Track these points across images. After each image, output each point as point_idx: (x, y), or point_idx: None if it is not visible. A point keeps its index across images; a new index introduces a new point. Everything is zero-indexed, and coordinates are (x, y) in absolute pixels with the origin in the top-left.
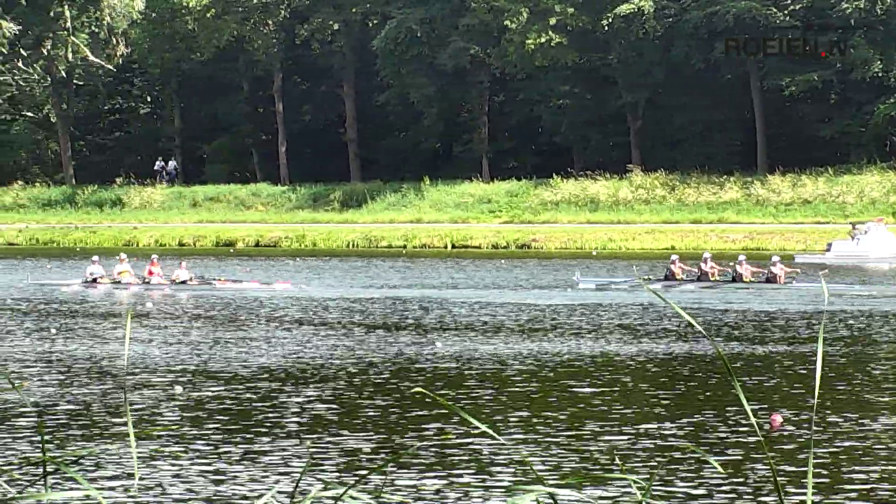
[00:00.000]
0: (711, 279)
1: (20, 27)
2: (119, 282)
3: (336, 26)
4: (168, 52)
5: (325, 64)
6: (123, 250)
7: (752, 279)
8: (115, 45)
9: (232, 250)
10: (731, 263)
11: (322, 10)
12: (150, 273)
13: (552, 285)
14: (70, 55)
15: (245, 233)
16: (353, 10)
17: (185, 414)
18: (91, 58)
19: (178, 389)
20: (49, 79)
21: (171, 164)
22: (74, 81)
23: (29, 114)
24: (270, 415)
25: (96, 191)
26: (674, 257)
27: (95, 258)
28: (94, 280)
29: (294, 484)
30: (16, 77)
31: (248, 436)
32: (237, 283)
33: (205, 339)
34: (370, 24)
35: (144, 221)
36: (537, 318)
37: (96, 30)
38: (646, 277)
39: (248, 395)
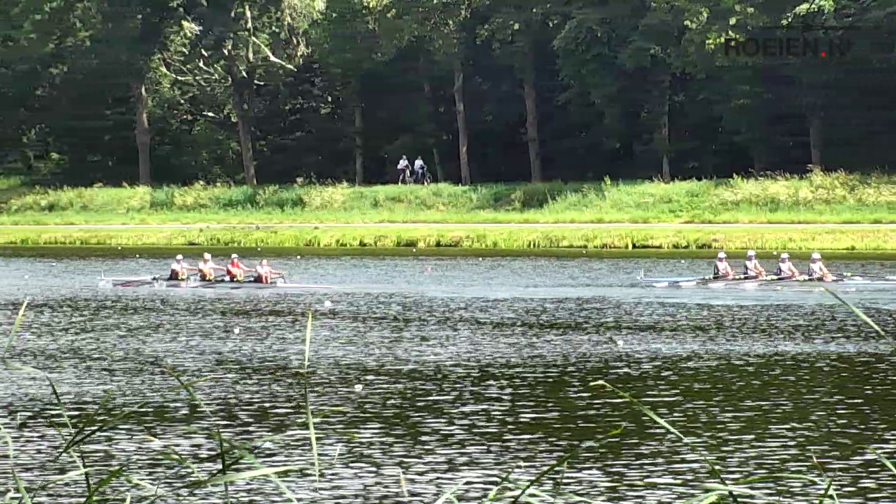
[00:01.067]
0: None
1: (201, 28)
2: (195, 279)
3: (517, 26)
4: (349, 52)
5: (506, 63)
6: (304, 251)
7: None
8: (296, 45)
9: (413, 250)
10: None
11: (502, 9)
12: (230, 271)
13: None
14: (251, 55)
15: (426, 233)
16: (534, 10)
17: (364, 412)
18: (272, 58)
19: (359, 388)
20: (230, 79)
21: (418, 162)
22: (255, 82)
23: (210, 114)
24: (448, 412)
25: (277, 191)
26: (721, 255)
27: (179, 257)
28: (172, 277)
29: (475, 481)
30: (197, 77)
31: (426, 433)
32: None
33: (381, 338)
34: (550, 24)
35: (325, 221)
36: (719, 317)
37: (277, 30)
38: (702, 278)
39: (425, 394)
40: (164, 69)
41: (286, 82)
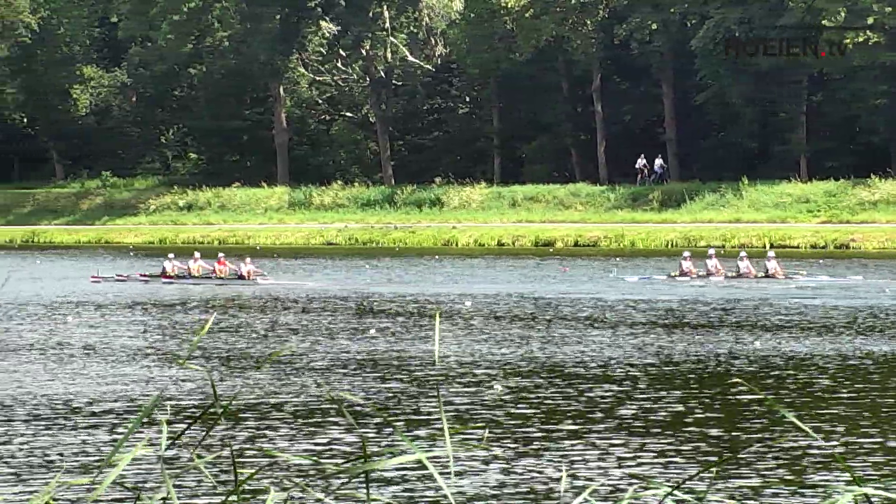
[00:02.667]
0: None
1: (340, 28)
2: (183, 276)
3: (654, 26)
4: (486, 52)
5: (644, 63)
6: (442, 251)
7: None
8: (434, 45)
9: (551, 250)
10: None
11: (640, 9)
12: (216, 268)
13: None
14: (389, 55)
15: (564, 233)
16: (672, 10)
17: (500, 411)
18: (410, 58)
19: (498, 388)
20: (368, 79)
21: (657, 161)
22: (393, 82)
23: (348, 114)
24: (584, 413)
25: (415, 191)
26: (686, 254)
27: (171, 255)
28: (163, 274)
29: (610, 482)
30: (335, 77)
31: (560, 434)
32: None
33: (511, 337)
34: (688, 24)
35: (463, 221)
36: (862, 316)
37: (415, 30)
38: (672, 273)
39: (556, 394)
40: (301, 69)
41: (424, 82)
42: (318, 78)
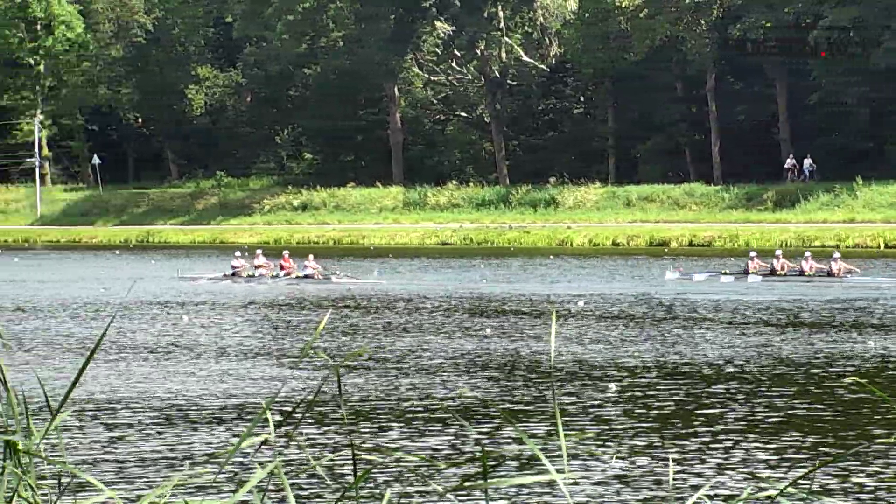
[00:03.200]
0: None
1: (454, 28)
2: (253, 275)
3: (768, 25)
4: (600, 51)
5: (757, 63)
6: (556, 250)
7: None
8: (548, 45)
9: (666, 250)
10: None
11: (754, 9)
12: (283, 266)
13: None
14: (504, 55)
15: (678, 232)
16: (786, 9)
17: (613, 410)
18: (524, 58)
19: (612, 387)
20: (482, 79)
21: (806, 162)
22: (508, 81)
23: (463, 114)
24: (700, 413)
25: (529, 190)
26: (752, 253)
27: (238, 253)
28: (234, 273)
29: (723, 482)
30: (450, 77)
31: (679, 435)
32: (351, 279)
33: (627, 338)
34: (802, 24)
35: (578, 221)
36: None
37: (529, 30)
38: (724, 271)
39: (675, 394)
40: (416, 69)
41: (538, 82)
42: (432, 78)
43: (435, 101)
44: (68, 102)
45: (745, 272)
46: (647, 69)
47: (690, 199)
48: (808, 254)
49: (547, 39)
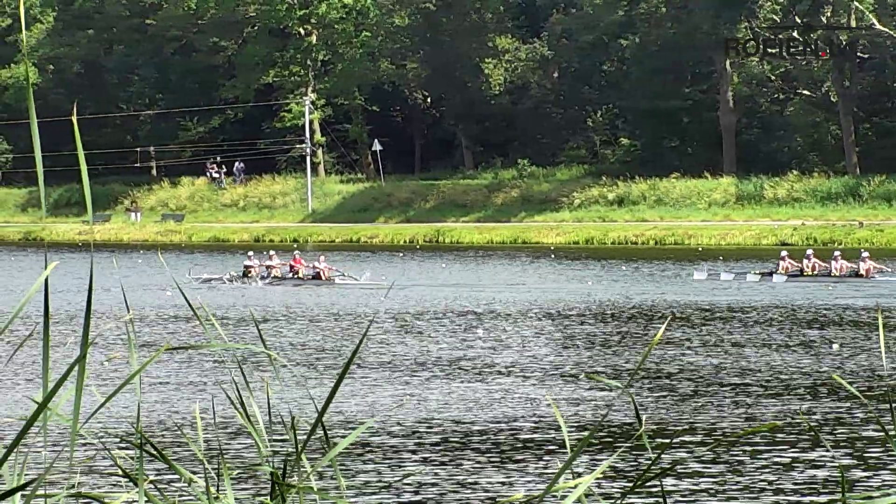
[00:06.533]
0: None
1: None
2: (265, 276)
3: None
4: None
5: None
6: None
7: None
8: None
9: None
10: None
11: None
12: (293, 266)
13: None
14: (853, 23)
15: None
16: None
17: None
18: (878, 26)
19: None
20: (829, 51)
21: None
22: (858, 54)
23: (806, 92)
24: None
25: (884, 182)
26: (783, 253)
27: (251, 253)
28: (245, 274)
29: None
30: (791, 49)
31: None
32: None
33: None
34: None
35: None
36: None
37: None
38: (756, 272)
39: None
40: (752, 40)
41: (894, 55)
42: (770, 50)
43: (773, 78)
44: (345, 79)
45: (771, 273)
46: None
47: None
48: (837, 253)
49: None
